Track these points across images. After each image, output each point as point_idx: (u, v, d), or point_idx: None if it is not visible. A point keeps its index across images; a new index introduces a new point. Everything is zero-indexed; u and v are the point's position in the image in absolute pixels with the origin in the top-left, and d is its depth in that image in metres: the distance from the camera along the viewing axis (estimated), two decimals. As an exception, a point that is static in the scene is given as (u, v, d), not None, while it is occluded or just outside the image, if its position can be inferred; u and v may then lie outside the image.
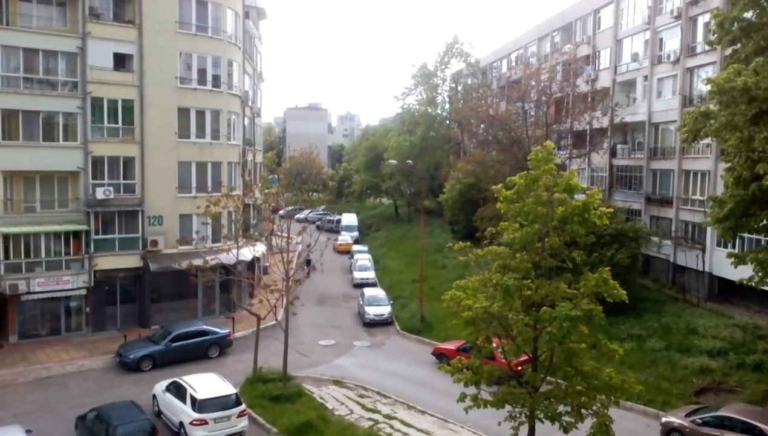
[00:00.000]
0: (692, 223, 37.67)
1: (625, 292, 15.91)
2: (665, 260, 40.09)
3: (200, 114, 36.39)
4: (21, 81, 31.55)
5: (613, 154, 46.59)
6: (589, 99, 47.38)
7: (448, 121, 73.87)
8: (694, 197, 37.55)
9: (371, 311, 37.51)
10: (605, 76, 47.62)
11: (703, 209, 33.90)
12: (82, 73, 32.78)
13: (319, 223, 73.47)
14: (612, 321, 23.48)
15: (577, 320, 15.27)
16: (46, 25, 32.69)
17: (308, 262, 38.96)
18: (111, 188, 33.23)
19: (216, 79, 37.07)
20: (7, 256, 30.97)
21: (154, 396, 24.00)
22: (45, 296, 31.89)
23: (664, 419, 21.98)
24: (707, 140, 29.67)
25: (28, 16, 32.38)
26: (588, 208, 16.17)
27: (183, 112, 35.75)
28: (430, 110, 73.00)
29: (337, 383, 27.78)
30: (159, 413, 23.30)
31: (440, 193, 58.42)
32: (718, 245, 34.63)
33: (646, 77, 42.55)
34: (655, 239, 39.62)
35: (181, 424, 21.50)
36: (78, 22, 32.89)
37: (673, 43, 39.96)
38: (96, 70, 33.03)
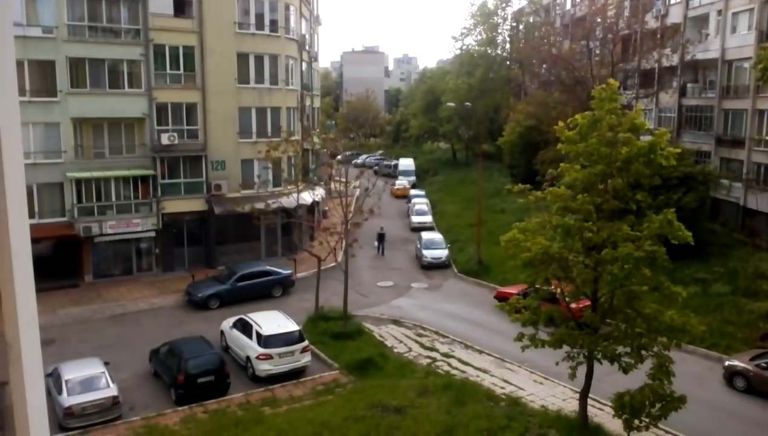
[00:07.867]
0: (765, 164, 35.94)
1: (690, 234, 15.48)
2: (735, 204, 38.57)
3: (259, 59, 36.59)
4: (86, 30, 32.33)
5: (682, 93, 44.50)
6: (659, 36, 45.10)
7: (508, 62, 71.86)
8: (768, 138, 35.73)
9: (429, 254, 37.78)
10: (676, 11, 45.07)
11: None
12: (144, 21, 33.31)
13: (376, 168, 73.94)
14: (677, 265, 22.94)
15: (639, 261, 15.07)
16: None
17: (380, 238, 40.11)
18: (175, 134, 34.11)
19: (273, 24, 37.07)
20: (80, 200, 32.41)
21: (222, 332, 25.15)
22: (116, 238, 33.34)
23: (727, 363, 21.69)
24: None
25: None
26: (654, 149, 15.69)
27: (242, 58, 36.02)
28: (489, 51, 70.95)
29: (396, 322, 28.42)
30: (226, 348, 24.44)
31: (499, 137, 57.27)
32: (793, 187, 33.04)
33: (720, 11, 40.05)
34: (725, 181, 38.07)
35: (248, 358, 22.54)
36: (138, -32, 33.28)
37: (751, -28, 37.33)
38: (157, 18, 33.51)
